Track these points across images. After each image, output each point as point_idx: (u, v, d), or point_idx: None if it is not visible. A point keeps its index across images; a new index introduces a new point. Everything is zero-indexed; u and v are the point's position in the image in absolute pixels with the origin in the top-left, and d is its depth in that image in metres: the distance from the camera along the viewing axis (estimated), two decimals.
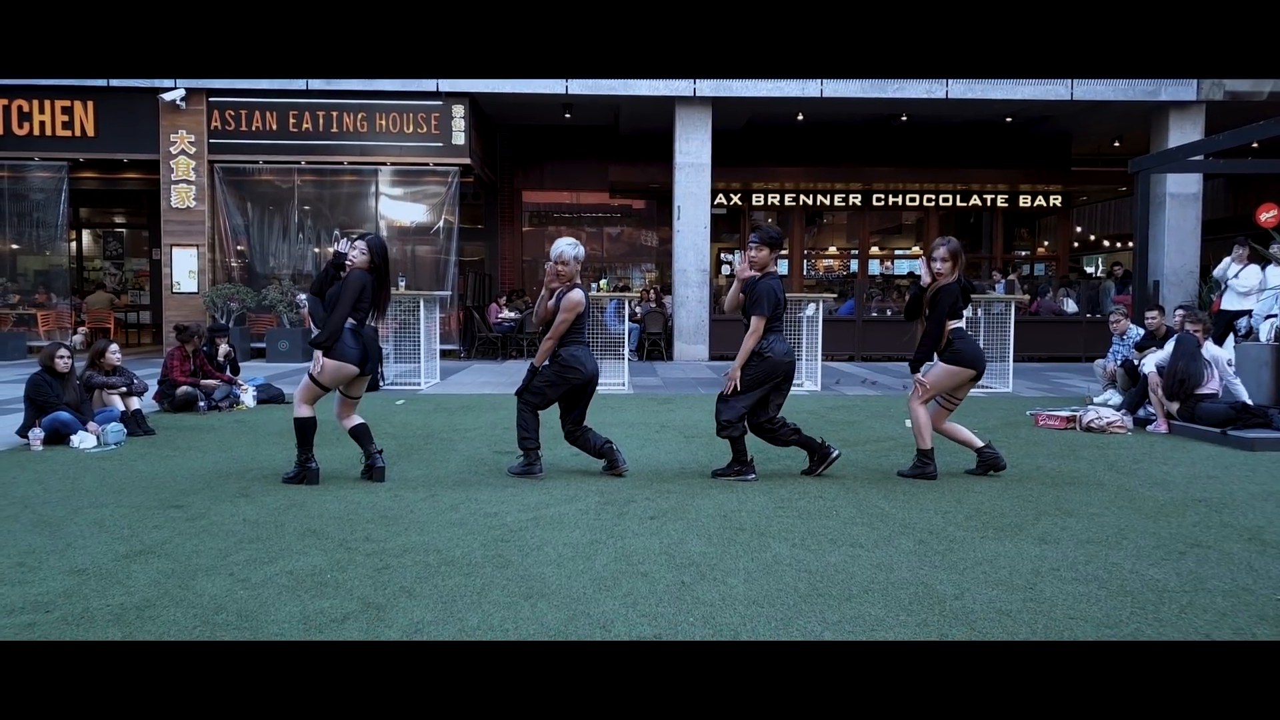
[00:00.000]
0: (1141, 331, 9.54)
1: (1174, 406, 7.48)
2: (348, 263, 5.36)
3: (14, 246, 15.90)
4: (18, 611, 3.19)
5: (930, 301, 5.51)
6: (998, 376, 10.88)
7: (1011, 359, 10.86)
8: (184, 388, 8.30)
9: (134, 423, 7.09)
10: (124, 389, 7.25)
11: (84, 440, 6.53)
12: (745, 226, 19.03)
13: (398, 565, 3.75)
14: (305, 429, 5.39)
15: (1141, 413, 7.95)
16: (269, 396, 9.04)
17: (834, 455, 5.62)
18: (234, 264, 15.49)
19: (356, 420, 5.50)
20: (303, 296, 14.57)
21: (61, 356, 6.79)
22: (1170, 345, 7.87)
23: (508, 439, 6.95)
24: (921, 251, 20.05)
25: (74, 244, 19.96)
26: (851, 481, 5.47)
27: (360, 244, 5.37)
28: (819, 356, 10.93)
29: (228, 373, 9.02)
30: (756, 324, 5.38)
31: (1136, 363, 9.02)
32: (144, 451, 6.40)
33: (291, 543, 4.08)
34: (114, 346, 7.45)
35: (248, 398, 8.78)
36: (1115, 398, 9.31)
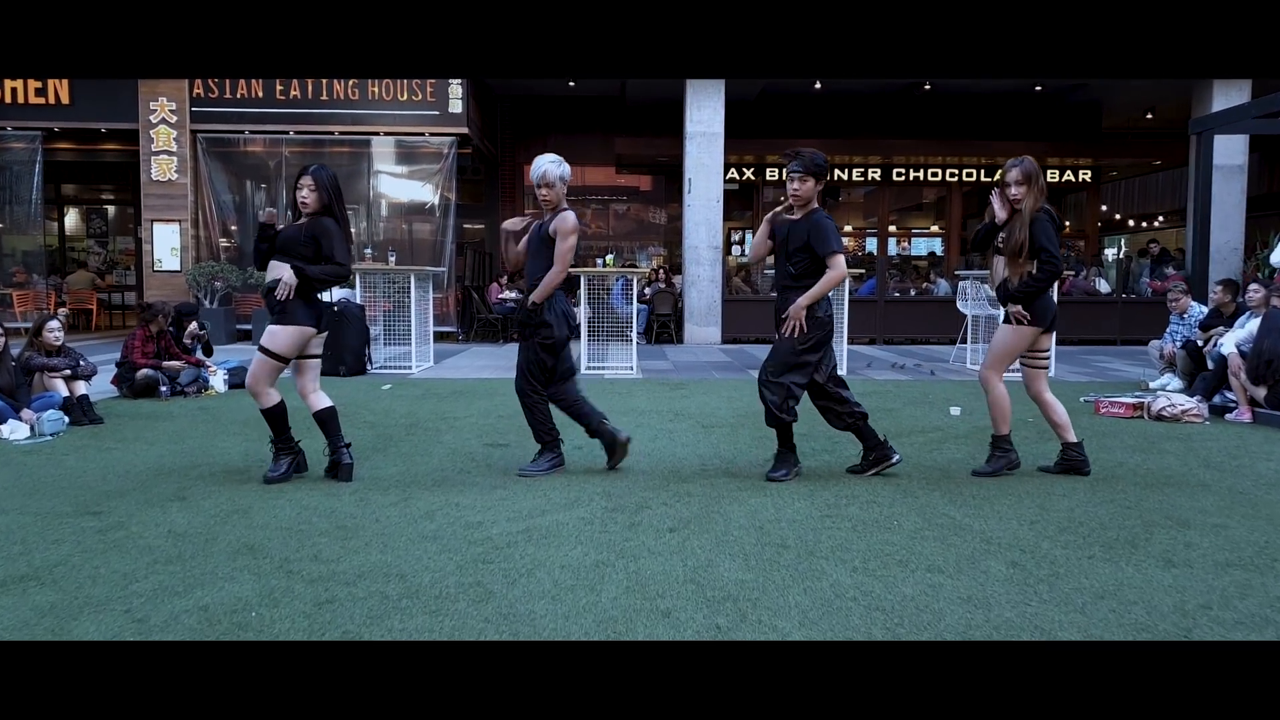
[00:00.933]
0: (1204, 310, 8.64)
1: (1260, 392, 6.59)
2: (301, 205, 4.50)
3: None
4: None
5: (1031, 229, 4.57)
6: None
7: (1053, 342, 9.94)
8: (144, 371, 7.45)
9: (79, 410, 6.25)
10: (67, 372, 6.41)
11: (15, 430, 5.69)
12: (759, 202, 18.10)
13: (345, 598, 2.90)
14: (277, 416, 4.57)
15: (1218, 399, 7.06)
16: (241, 381, 8.18)
17: (895, 459, 4.76)
18: (224, 242, 14.63)
19: (324, 401, 4.64)
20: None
21: None
22: (1253, 323, 6.98)
23: (500, 429, 6.11)
24: (940, 230, 19.13)
25: (57, 222, 19.18)
26: (906, 482, 4.60)
27: (308, 179, 4.50)
28: (845, 339, 10.03)
29: (199, 355, 8.17)
30: (837, 261, 4.50)
31: (1201, 344, 8.13)
32: (82, 443, 5.56)
33: (219, 564, 3.23)
34: (54, 324, 6.60)
35: (217, 381, 7.93)
36: (1174, 382, 8.43)
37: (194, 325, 8.29)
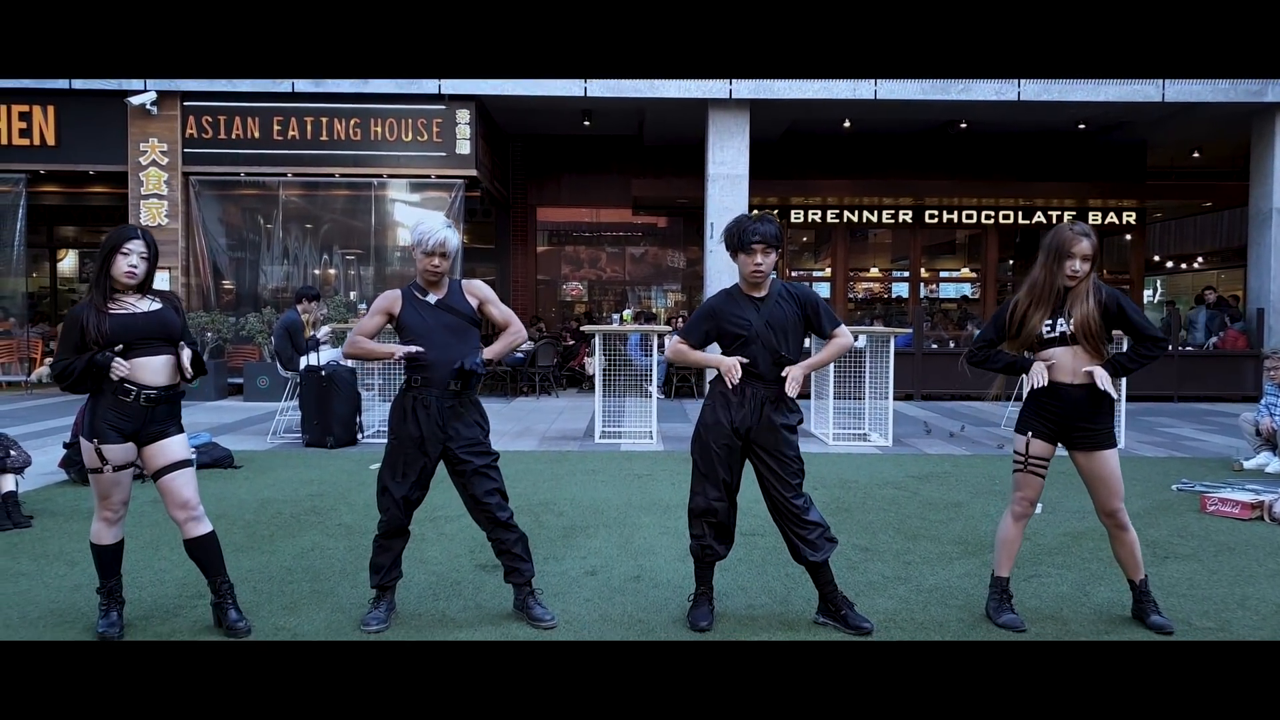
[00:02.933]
0: None
1: None
2: (127, 276, 3.51)
3: None
4: None
5: (1120, 307, 3.59)
6: None
7: (1124, 408, 8.91)
8: None
9: (2, 511, 5.30)
10: None
11: None
12: (784, 245, 17.16)
13: None
14: (101, 558, 3.60)
15: None
16: (212, 460, 7.23)
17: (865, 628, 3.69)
18: (224, 286, 13.79)
19: (199, 528, 3.61)
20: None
21: None
22: None
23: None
24: (974, 273, 18.12)
25: (51, 265, 18.45)
26: (1009, 635, 3.55)
27: (138, 244, 3.55)
28: (890, 402, 9.00)
29: None
30: (845, 331, 3.79)
31: None
32: None
33: None
34: None
35: None
36: (1274, 463, 7.40)
37: None
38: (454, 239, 3.74)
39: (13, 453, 5.61)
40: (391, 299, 3.75)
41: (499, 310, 3.92)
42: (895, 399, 11.87)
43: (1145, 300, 20.91)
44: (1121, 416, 8.79)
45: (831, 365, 9.09)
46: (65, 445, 6.68)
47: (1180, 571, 4.53)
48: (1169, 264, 24.36)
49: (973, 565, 4.61)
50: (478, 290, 3.85)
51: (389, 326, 3.80)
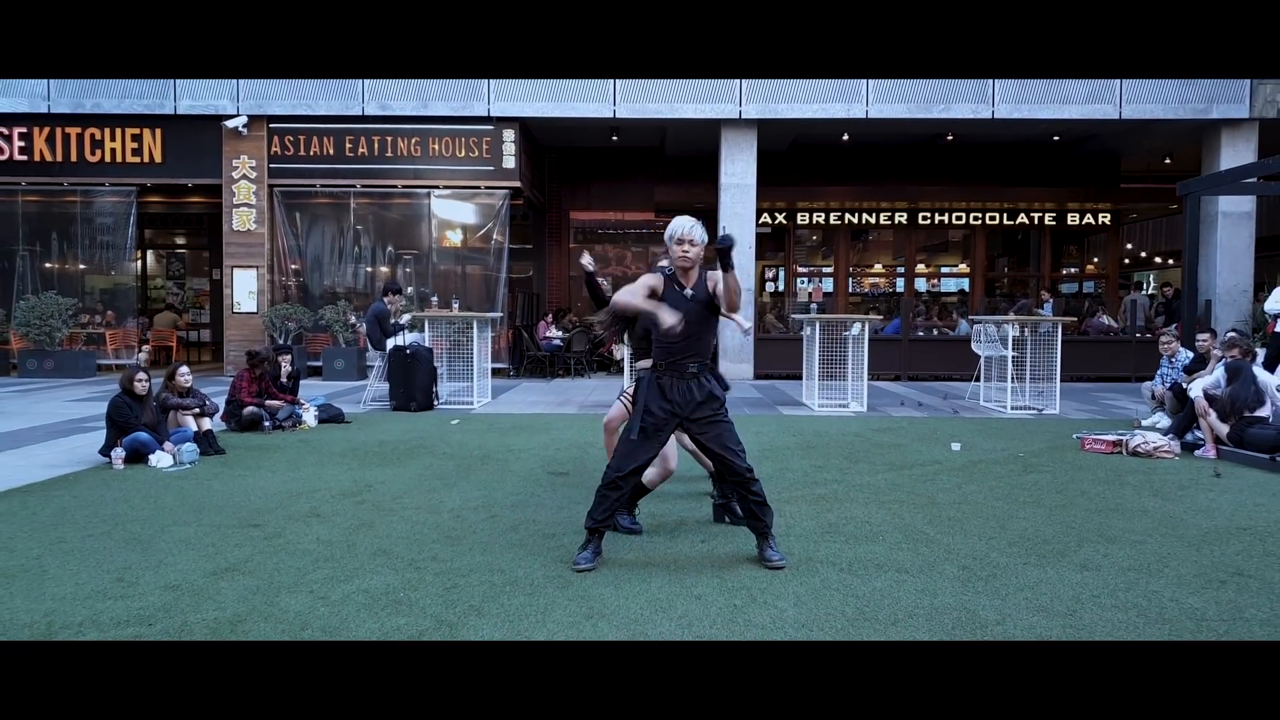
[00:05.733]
0: (1191, 355, 9.54)
1: (1224, 429, 7.50)
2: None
3: (83, 267, 16.55)
4: (124, 624, 3.47)
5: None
6: (1046, 398, 10.91)
7: (1058, 380, 10.87)
8: (250, 408, 8.67)
9: (205, 442, 7.44)
10: (196, 410, 7.62)
11: (161, 460, 6.88)
12: (790, 244, 19.18)
13: (465, 585, 3.98)
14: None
15: (1189, 437, 7.97)
16: (329, 416, 9.38)
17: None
18: (291, 284, 16.00)
19: None
20: (354, 318, 15.07)
21: (140, 380, 7.16)
22: (1218, 369, 7.89)
23: (560, 459, 7.20)
24: (966, 270, 20.04)
25: (142, 264, 20.78)
26: (898, 507, 5.60)
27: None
28: (865, 377, 11.03)
29: (291, 393, 9.39)
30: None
31: (1185, 386, 9.03)
32: (217, 471, 6.74)
33: (364, 562, 4.34)
34: (184, 369, 7.83)
35: (309, 417, 9.12)
36: (1164, 421, 9.32)
37: (287, 365, 9.50)
38: (700, 231, 4.37)
39: (207, 402, 7.77)
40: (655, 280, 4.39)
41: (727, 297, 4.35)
42: (884, 380, 13.86)
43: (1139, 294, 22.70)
44: (1056, 388, 10.79)
45: (818, 348, 11.13)
46: (227, 402, 8.83)
47: (1034, 479, 6.53)
48: (1156, 260, 26.07)
49: (891, 475, 6.64)
50: (713, 276, 4.41)
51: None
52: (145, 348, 17.47)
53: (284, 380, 9.43)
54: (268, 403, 8.84)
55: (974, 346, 12.09)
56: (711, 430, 4.31)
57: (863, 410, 10.74)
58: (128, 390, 7.14)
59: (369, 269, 16.54)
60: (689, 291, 4.34)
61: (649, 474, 5.00)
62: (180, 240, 21.64)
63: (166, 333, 18.40)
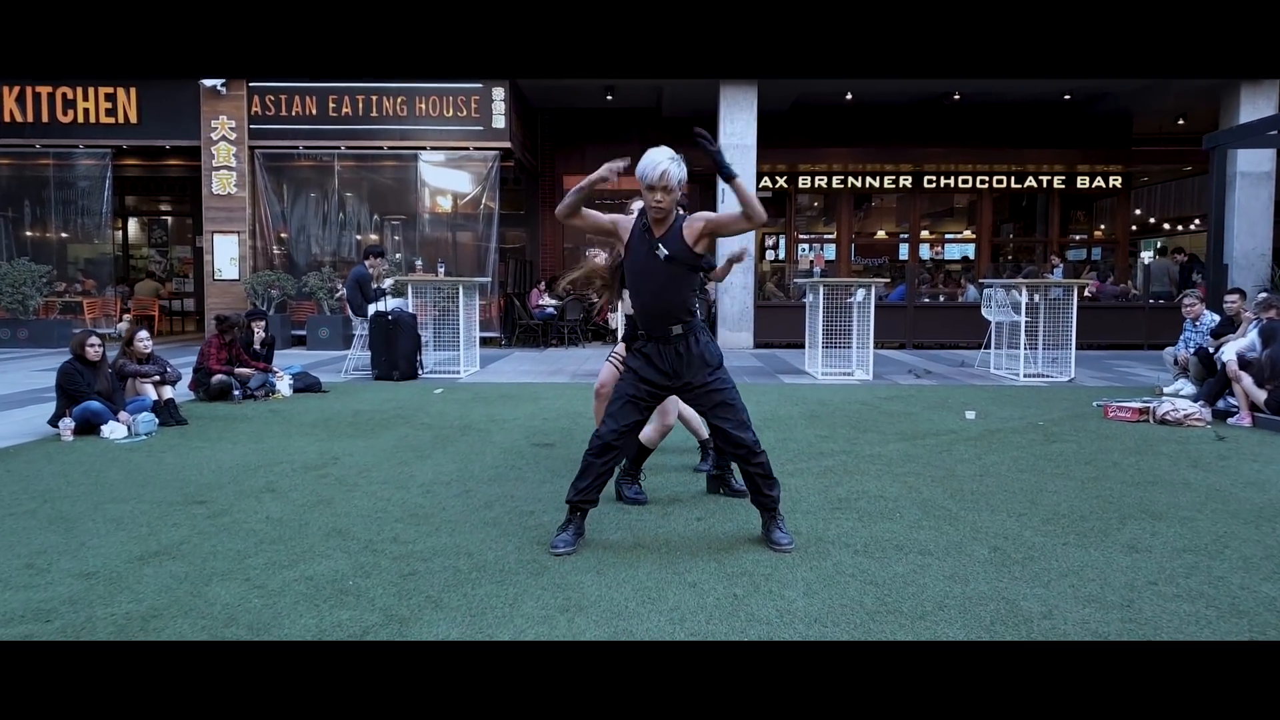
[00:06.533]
0: (1217, 317, 9.00)
1: (1260, 395, 6.98)
2: None
3: (61, 235, 15.94)
4: (16, 620, 2.96)
5: None
6: (1060, 365, 10.38)
7: (1074, 347, 10.34)
8: (219, 376, 8.14)
9: (166, 412, 6.92)
10: (156, 377, 7.09)
11: (115, 430, 6.36)
12: (791, 209, 18.57)
13: (425, 571, 3.47)
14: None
15: (1221, 404, 7.44)
16: (305, 385, 8.85)
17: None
18: (276, 251, 15.41)
19: None
20: (339, 284, 14.49)
21: (92, 345, 6.62)
22: (1252, 332, 7.36)
23: (545, 430, 6.68)
24: (972, 236, 19.43)
25: (119, 231, 20.14)
26: (915, 480, 5.09)
27: None
28: (870, 344, 10.49)
29: (265, 360, 8.85)
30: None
31: (1212, 350, 8.51)
32: (174, 442, 6.22)
33: (315, 544, 3.83)
34: (144, 334, 7.28)
35: (284, 386, 8.59)
36: (1188, 387, 8.80)
37: (260, 332, 8.95)
38: (675, 170, 3.59)
39: (168, 369, 7.23)
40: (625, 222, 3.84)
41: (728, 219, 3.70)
42: (888, 348, 13.32)
43: (1144, 260, 22.12)
44: (1072, 355, 10.26)
45: (821, 314, 10.59)
46: (194, 370, 8.29)
47: (1058, 448, 6.02)
48: (1165, 226, 25.46)
49: (903, 445, 6.12)
50: (696, 223, 3.70)
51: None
52: (126, 317, 16.93)
53: (257, 347, 8.90)
54: (238, 370, 8.30)
55: (984, 312, 11.55)
56: (708, 399, 3.78)
57: (868, 378, 10.21)
58: (79, 355, 6.60)
59: (359, 236, 15.94)
60: (661, 250, 3.70)
61: (647, 432, 4.51)
62: (165, 207, 20.98)
63: (148, 301, 17.83)
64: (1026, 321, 10.43)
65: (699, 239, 3.71)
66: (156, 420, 6.70)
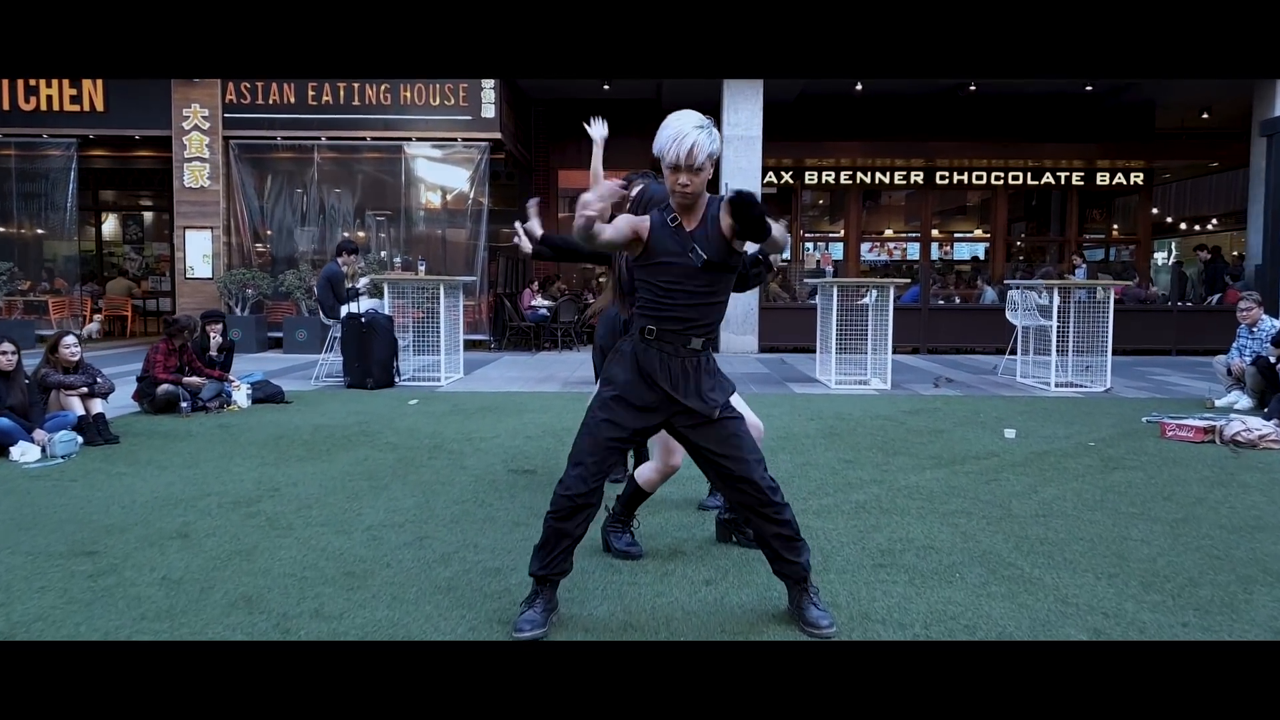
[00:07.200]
0: (1278, 324, 8.14)
1: None
2: None
3: (20, 230, 15.05)
4: None
5: None
6: (1095, 373, 9.51)
7: (1110, 354, 9.47)
8: (165, 386, 7.26)
9: (94, 430, 6.04)
10: (84, 389, 6.20)
11: (26, 452, 5.48)
12: (797, 206, 17.70)
13: None
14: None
15: None
16: (265, 395, 7.98)
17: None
18: (259, 248, 14.52)
19: None
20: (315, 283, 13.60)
21: (4, 352, 5.75)
22: None
23: (527, 452, 5.81)
24: (985, 234, 18.55)
25: (96, 228, 19.25)
26: (965, 521, 4.21)
27: None
28: (889, 350, 9.61)
29: (221, 369, 7.97)
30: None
31: (1273, 360, 7.65)
32: (93, 467, 5.34)
33: (211, 619, 2.95)
34: (71, 339, 6.40)
35: (241, 396, 7.72)
36: (1243, 400, 7.96)
37: (217, 336, 8.07)
38: (708, 143, 2.71)
39: (99, 379, 6.35)
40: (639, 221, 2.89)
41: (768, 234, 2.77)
42: (901, 352, 12.44)
43: (1156, 262, 21.28)
44: (1108, 362, 9.39)
45: (835, 317, 9.71)
46: (138, 379, 7.41)
47: (1124, 478, 5.15)
48: (1181, 225, 24.60)
49: (942, 473, 5.26)
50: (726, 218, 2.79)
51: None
52: (97, 317, 16.06)
53: (214, 353, 8.01)
54: (187, 380, 7.41)
55: (1009, 316, 10.67)
56: (717, 431, 2.88)
57: (886, 388, 9.34)
58: None
59: (345, 233, 15.04)
60: (697, 253, 2.77)
61: (645, 472, 3.62)
62: (146, 201, 20.03)
63: (120, 301, 16.94)
64: (1057, 326, 9.55)
65: (733, 235, 2.80)
66: (80, 439, 5.82)
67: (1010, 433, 6.52)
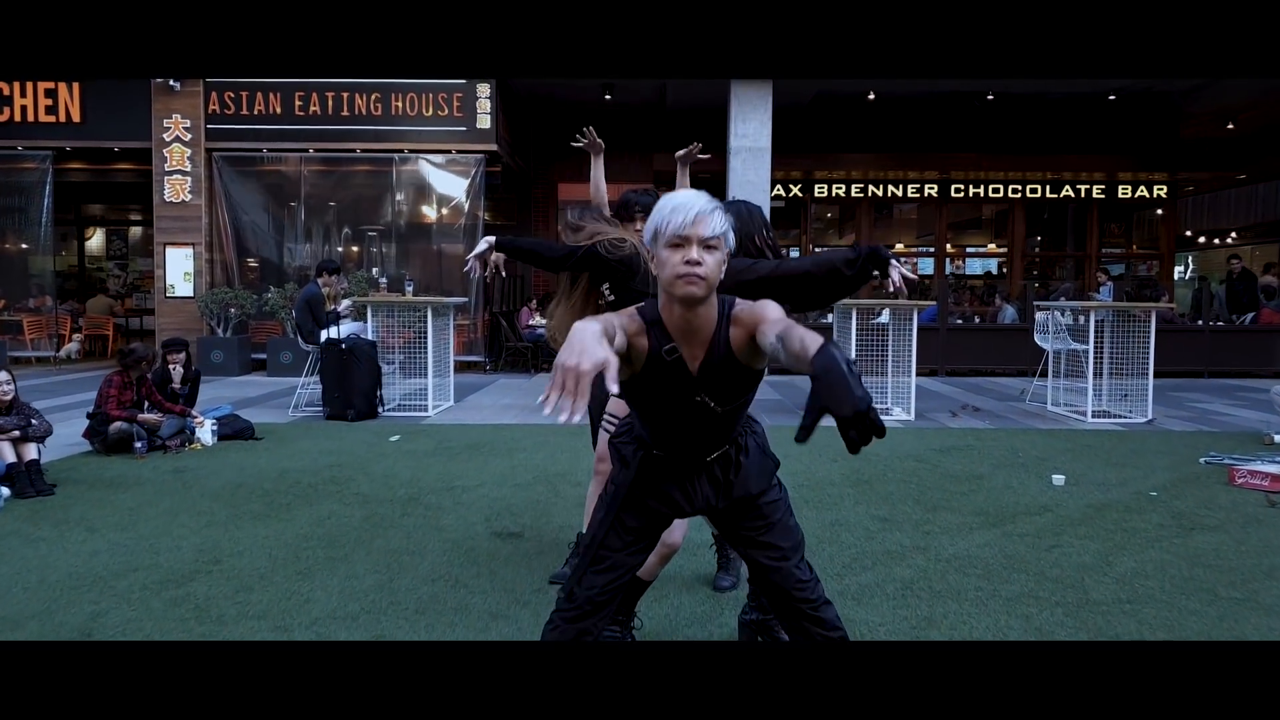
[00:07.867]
0: None
1: None
2: None
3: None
4: None
5: None
6: (1135, 402, 8.80)
7: (1151, 382, 8.76)
8: (117, 424, 6.56)
9: (26, 479, 5.34)
10: (16, 434, 5.50)
11: None
12: (806, 220, 17.03)
13: None
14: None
15: None
16: (233, 431, 7.27)
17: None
18: (251, 263, 13.85)
19: None
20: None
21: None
22: None
23: (515, 505, 5.10)
24: (1001, 248, 17.84)
25: (78, 243, 18.61)
26: (1035, 611, 3.49)
27: None
28: (913, 374, 8.90)
29: (184, 402, 7.27)
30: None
31: None
32: (11, 529, 4.63)
33: None
34: (4, 376, 5.70)
35: (204, 433, 7.02)
36: None
37: (179, 367, 7.36)
38: (722, 218, 2.03)
39: (34, 422, 5.64)
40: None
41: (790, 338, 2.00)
42: (919, 375, 11.72)
43: (1176, 277, 20.56)
44: (1149, 390, 8.67)
45: (854, 337, 9.01)
46: (88, 416, 6.72)
47: (1207, 542, 4.43)
48: (1201, 239, 23.90)
49: (993, 535, 4.54)
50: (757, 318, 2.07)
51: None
52: (76, 336, 15.37)
53: (176, 386, 7.31)
54: (142, 417, 6.71)
55: (1038, 339, 9.97)
56: (757, 520, 2.23)
57: (910, 418, 8.63)
58: None
59: (340, 248, 14.41)
60: (706, 400, 2.13)
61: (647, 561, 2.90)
62: (134, 216, 19.35)
63: (102, 320, 16.25)
64: (1088, 350, 8.83)
65: (760, 335, 2.01)
66: (6, 493, 5.12)
67: (1059, 479, 5.80)
